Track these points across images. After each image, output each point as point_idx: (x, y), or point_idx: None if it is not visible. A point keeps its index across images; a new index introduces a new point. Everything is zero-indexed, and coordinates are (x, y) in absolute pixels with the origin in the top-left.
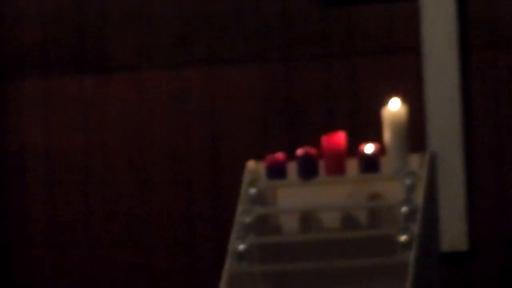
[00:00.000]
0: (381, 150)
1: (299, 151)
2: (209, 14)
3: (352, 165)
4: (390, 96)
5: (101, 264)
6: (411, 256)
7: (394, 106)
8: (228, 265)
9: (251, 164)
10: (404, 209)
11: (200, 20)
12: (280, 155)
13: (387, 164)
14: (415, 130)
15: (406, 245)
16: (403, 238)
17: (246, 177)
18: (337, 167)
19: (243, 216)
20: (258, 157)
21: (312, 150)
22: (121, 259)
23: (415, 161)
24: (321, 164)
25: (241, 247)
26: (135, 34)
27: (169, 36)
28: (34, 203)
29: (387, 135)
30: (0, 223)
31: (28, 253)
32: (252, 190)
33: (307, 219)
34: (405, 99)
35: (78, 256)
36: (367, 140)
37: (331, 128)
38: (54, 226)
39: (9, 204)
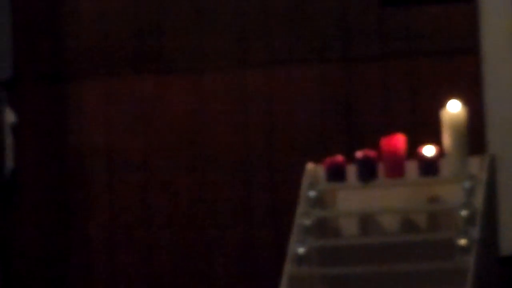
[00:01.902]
0: (441, 153)
1: (358, 154)
2: (268, 15)
3: (411, 168)
4: (449, 98)
5: (160, 267)
6: (470, 260)
7: (454, 108)
8: (288, 268)
9: (310, 166)
10: (463, 212)
11: (259, 21)
12: (339, 158)
13: (447, 167)
14: (474, 132)
15: (466, 249)
16: (462, 242)
17: (306, 180)
18: (396, 170)
19: (302, 218)
20: (318, 159)
21: (371, 153)
22: (181, 261)
23: (474, 164)
24: (380, 167)
25: (301, 250)
26: (195, 35)
27: (228, 37)
28: (94, 204)
29: (446, 138)
30: (61, 224)
31: (87, 254)
32: (312, 193)
33: (366, 222)
34: (464, 101)
35: (138, 259)
36: (426, 142)
37: (390, 130)
38: (115, 227)
39: (69, 205)
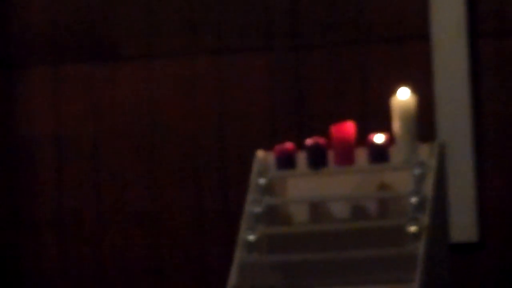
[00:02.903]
0: (390, 140)
1: (308, 141)
2: (217, 1)
3: (361, 155)
4: (399, 85)
5: (109, 254)
6: (420, 246)
7: (403, 95)
8: (238, 255)
9: (260, 154)
10: (413, 199)
11: (208, 7)
12: (289, 145)
13: (396, 154)
14: (424, 119)
15: (415, 236)
16: (412, 228)
17: (255, 167)
18: (346, 157)
19: (252, 206)
20: (267, 147)
21: (321, 140)
22: (129, 247)
23: (424, 151)
24: (331, 154)
25: (251, 237)
26: (144, 22)
27: (178, 23)
28: (43, 190)
29: (396, 125)
30: (9, 210)
31: (35, 240)
32: (261, 180)
33: (317, 209)
34: (414, 88)
35: (86, 245)
36: (376, 130)
37: (340, 117)
38: (62, 214)
39: (18, 192)
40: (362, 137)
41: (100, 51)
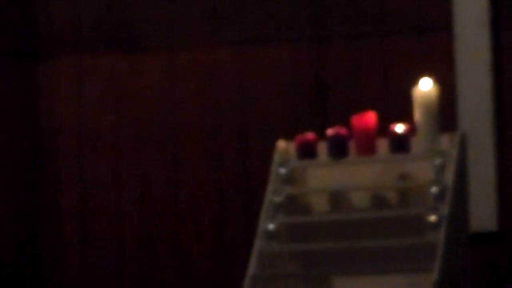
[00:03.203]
0: (412, 130)
1: (330, 131)
2: None
3: (382, 145)
4: (421, 76)
5: (130, 245)
6: (440, 236)
7: (425, 86)
8: (258, 244)
9: (281, 144)
10: (433, 189)
11: (231, 0)
12: (310, 135)
13: (418, 144)
14: (446, 110)
15: (435, 225)
16: (432, 218)
17: (276, 157)
18: (367, 147)
19: (273, 195)
20: (289, 137)
21: (342, 130)
22: (151, 238)
23: (445, 141)
24: (352, 144)
25: (271, 226)
26: (166, 14)
27: (199, 15)
28: (65, 181)
29: (417, 115)
30: (33, 201)
31: (58, 230)
32: (282, 170)
33: (337, 199)
34: (436, 79)
35: (108, 236)
36: (398, 120)
37: (362, 108)
38: (85, 205)
39: (41, 182)
40: (384, 127)
41: (122, 42)
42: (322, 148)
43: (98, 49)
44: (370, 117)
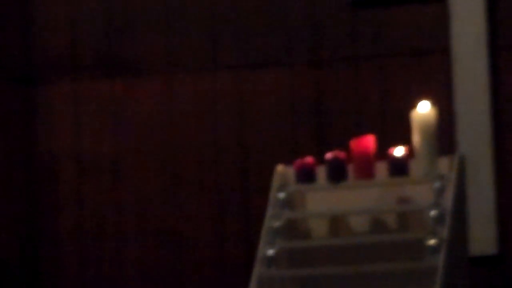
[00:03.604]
0: (410, 153)
1: (328, 155)
2: (238, 18)
3: (381, 169)
4: (419, 99)
5: (130, 275)
6: (440, 260)
7: (423, 108)
8: (257, 269)
9: (280, 168)
10: (433, 212)
11: (229, 23)
12: (309, 159)
13: (416, 167)
14: (444, 132)
15: (435, 249)
16: (432, 242)
17: (275, 181)
18: (366, 171)
19: (272, 220)
20: (287, 161)
21: (341, 154)
22: (150, 263)
23: (444, 164)
24: (350, 168)
25: (270, 251)
26: (164, 38)
27: (198, 39)
28: (64, 206)
29: (416, 138)
30: (30, 226)
31: (56, 255)
32: (281, 195)
33: (336, 223)
34: (435, 101)
35: (106, 261)
36: (396, 143)
37: (360, 131)
38: (83, 231)
39: (39, 208)
40: (382, 151)
41: (119, 67)
42: (321, 172)
43: (95, 74)
44: (369, 141)
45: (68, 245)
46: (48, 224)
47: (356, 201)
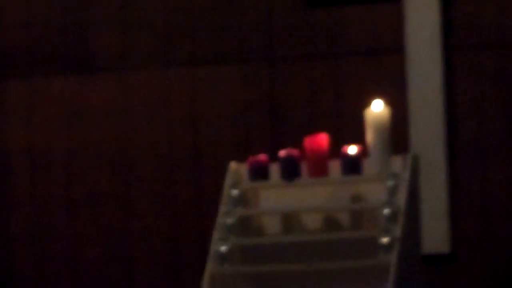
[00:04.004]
0: (364, 152)
1: (282, 153)
2: (192, 14)
3: (334, 167)
4: (373, 98)
5: (83, 271)
6: (392, 258)
7: (377, 107)
8: (210, 266)
9: (233, 165)
10: (386, 211)
11: (183, 20)
12: (262, 157)
13: (370, 166)
14: (398, 131)
15: (388, 247)
16: (384, 240)
17: (228, 179)
18: (319, 169)
19: (225, 217)
20: (241, 158)
21: (294, 152)
22: (104, 258)
23: (397, 163)
24: (304, 166)
25: (223, 248)
26: (118, 35)
27: (152, 37)
28: (17, 202)
29: (369, 137)
30: None
31: (9, 253)
32: (234, 192)
33: (289, 220)
34: (388, 101)
35: (60, 259)
36: (350, 141)
37: (314, 129)
38: (36, 226)
39: None
40: (336, 149)
41: (73, 64)
42: (275, 169)
43: (49, 71)
44: (322, 139)
45: (21, 240)
46: (1, 221)
47: (310, 199)
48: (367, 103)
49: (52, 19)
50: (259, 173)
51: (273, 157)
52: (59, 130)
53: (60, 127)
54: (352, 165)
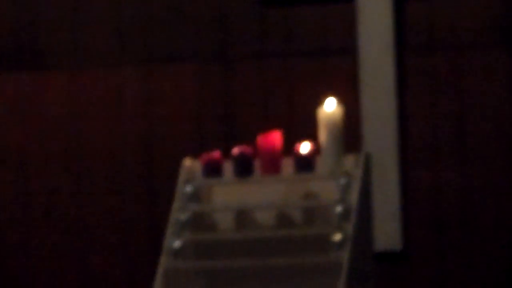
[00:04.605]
0: (317, 150)
1: (235, 150)
2: (146, 12)
3: (287, 165)
4: (326, 97)
5: (38, 265)
6: (344, 255)
7: (330, 106)
8: (163, 261)
9: (187, 162)
10: (338, 208)
11: (136, 18)
12: (216, 154)
13: (322, 164)
14: (350, 130)
15: (340, 244)
16: (337, 237)
17: (182, 175)
18: (272, 166)
19: (178, 213)
20: (195, 155)
21: (247, 149)
22: (58, 259)
23: (350, 162)
24: (257, 163)
25: (176, 244)
26: (70, 32)
27: (105, 34)
28: None
29: (322, 135)
30: None
31: None
32: (188, 188)
33: (243, 217)
34: (341, 100)
35: (13, 254)
36: (303, 139)
37: (267, 127)
38: None
39: None
40: (289, 147)
41: (26, 62)
42: (228, 166)
43: (1, 68)
44: (275, 137)
45: None
46: None
47: (263, 196)
48: (320, 102)
49: (5, 17)
50: (213, 170)
51: (227, 155)
52: (12, 127)
53: (13, 124)
54: (305, 163)
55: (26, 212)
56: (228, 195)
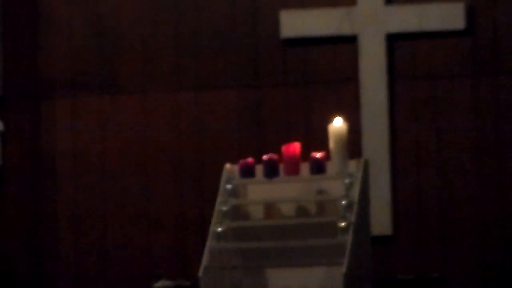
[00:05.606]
0: (327, 157)
1: (265, 157)
2: (198, 48)
3: (305, 168)
4: (334, 115)
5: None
6: (348, 238)
7: (338, 123)
8: (209, 243)
9: (227, 166)
10: (343, 202)
11: (191, 52)
12: (250, 160)
13: (332, 167)
14: (353, 141)
15: (345, 230)
16: (342, 224)
17: (224, 176)
18: (293, 169)
19: (221, 205)
20: (234, 161)
21: (274, 156)
22: (129, 237)
23: (353, 165)
24: (281, 167)
25: (219, 229)
26: (140, 63)
27: (167, 65)
28: (61, 194)
29: (332, 145)
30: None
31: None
32: (228, 186)
33: (270, 209)
34: (346, 118)
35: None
36: (317, 149)
37: (289, 139)
38: (79, 210)
39: (39, 193)
40: (306, 155)
41: (106, 86)
42: (259, 169)
43: (88, 91)
44: (296, 147)
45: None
46: (50, 206)
47: (286, 192)
48: (330, 120)
49: (90, 50)
50: (247, 172)
51: (259, 160)
52: (96, 139)
53: (97, 136)
54: (318, 167)
55: (104, 206)
56: (259, 191)
